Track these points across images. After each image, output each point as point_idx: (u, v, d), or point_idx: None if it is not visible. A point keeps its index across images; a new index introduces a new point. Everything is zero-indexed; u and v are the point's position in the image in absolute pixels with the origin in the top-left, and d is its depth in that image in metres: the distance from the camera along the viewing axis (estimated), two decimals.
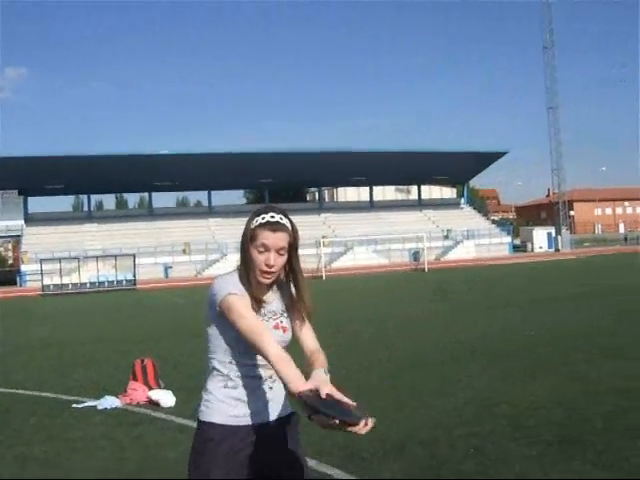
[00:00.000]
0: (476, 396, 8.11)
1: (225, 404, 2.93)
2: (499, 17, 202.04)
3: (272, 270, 2.89)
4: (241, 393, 2.93)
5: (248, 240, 2.92)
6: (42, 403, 9.04)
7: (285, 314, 3.03)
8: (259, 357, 2.88)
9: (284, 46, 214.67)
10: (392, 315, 18.33)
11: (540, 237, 75.38)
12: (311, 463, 5.67)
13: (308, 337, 3.05)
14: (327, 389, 2.51)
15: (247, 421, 2.93)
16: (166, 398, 8.35)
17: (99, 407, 8.46)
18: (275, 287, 3.05)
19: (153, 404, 8.45)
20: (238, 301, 2.83)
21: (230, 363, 2.94)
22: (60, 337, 17.22)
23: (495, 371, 9.60)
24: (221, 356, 2.95)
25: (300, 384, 2.57)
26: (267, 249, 2.87)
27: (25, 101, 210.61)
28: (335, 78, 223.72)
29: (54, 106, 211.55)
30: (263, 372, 2.96)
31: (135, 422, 7.73)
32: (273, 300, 3.02)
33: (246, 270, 2.92)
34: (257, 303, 2.92)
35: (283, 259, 2.92)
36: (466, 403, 7.79)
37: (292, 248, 2.95)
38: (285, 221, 2.92)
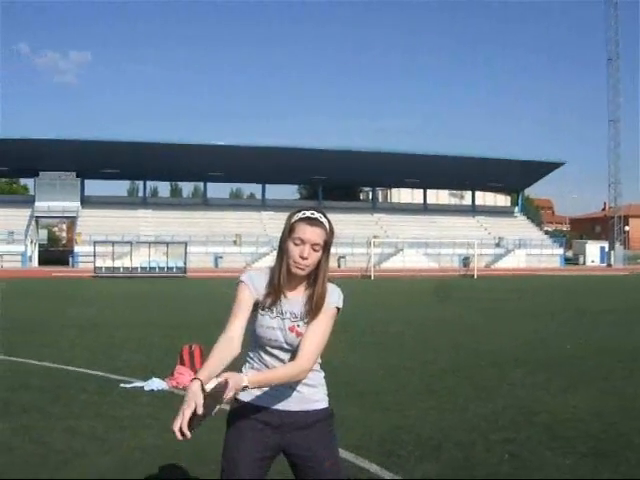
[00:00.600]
0: (516, 404, 8.19)
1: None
2: (561, 27, 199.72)
3: (305, 262, 3.05)
4: None
5: (287, 233, 3.09)
6: (92, 381, 9.33)
7: (305, 320, 3.14)
8: (279, 351, 3.14)
9: (342, 42, 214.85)
10: (437, 319, 18.39)
11: (593, 251, 74.55)
12: (349, 457, 5.89)
13: (306, 336, 3.12)
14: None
15: (269, 404, 3.15)
16: (211, 383, 8.55)
17: (146, 388, 8.72)
18: (304, 289, 3.19)
19: None
20: (240, 287, 3.12)
21: (254, 349, 3.21)
22: (110, 319, 17.60)
23: (536, 380, 9.66)
24: (250, 342, 3.21)
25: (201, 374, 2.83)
26: (303, 242, 3.04)
27: (87, 85, 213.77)
28: (394, 76, 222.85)
29: (114, 91, 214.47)
30: (277, 364, 3.16)
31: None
32: (297, 302, 3.16)
33: (280, 261, 3.11)
34: (277, 296, 3.12)
35: (317, 255, 3.08)
36: (505, 409, 7.87)
37: (325, 247, 3.11)
38: (324, 220, 3.11)
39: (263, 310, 3.13)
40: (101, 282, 38.40)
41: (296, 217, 3.10)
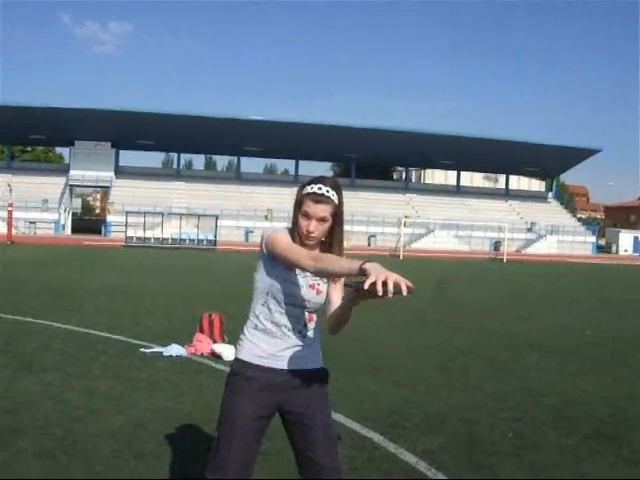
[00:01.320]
0: (526, 385, 8.26)
1: (252, 344, 3.28)
2: (596, 12, 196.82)
3: (312, 235, 3.15)
4: (267, 336, 3.26)
5: (297, 206, 3.20)
6: (113, 344, 9.56)
7: (324, 280, 3.26)
8: (292, 308, 3.23)
9: (382, 24, 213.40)
10: (461, 300, 18.48)
11: (626, 240, 74.03)
12: (355, 427, 6.05)
13: (337, 298, 3.25)
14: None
15: (270, 363, 3.25)
16: (228, 352, 8.73)
17: (165, 354, 8.92)
18: (320, 249, 3.28)
19: (216, 356, 8.89)
20: (280, 234, 3.18)
21: (263, 306, 3.27)
22: (137, 287, 17.88)
23: (550, 364, 9.71)
24: (258, 299, 3.29)
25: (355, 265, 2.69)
26: (309, 217, 3.14)
27: (125, 56, 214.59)
28: (431, 60, 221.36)
29: (152, 63, 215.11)
30: (293, 323, 3.27)
31: (197, 371, 8.16)
32: None
33: (293, 230, 3.22)
34: None
35: (325, 226, 3.18)
36: (515, 390, 7.96)
37: (335, 218, 3.20)
38: (331, 194, 3.16)
39: (288, 267, 3.17)
40: (131, 252, 38.83)
41: (304, 191, 3.18)
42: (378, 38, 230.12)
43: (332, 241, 3.25)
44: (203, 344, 9.16)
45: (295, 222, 3.21)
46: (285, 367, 3.26)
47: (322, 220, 3.16)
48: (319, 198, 3.15)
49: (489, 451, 5.68)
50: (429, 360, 9.64)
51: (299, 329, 3.28)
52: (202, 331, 9.54)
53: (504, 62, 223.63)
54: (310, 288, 3.24)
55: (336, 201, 3.18)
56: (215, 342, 9.30)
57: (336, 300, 3.25)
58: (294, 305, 3.23)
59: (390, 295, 2.52)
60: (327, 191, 3.16)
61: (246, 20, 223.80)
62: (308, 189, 3.17)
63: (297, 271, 3.19)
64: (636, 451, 5.84)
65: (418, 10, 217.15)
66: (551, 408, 7.20)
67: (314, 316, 3.34)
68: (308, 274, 3.20)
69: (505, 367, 9.37)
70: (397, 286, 2.55)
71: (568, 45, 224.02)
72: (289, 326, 3.26)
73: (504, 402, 7.37)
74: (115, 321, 11.71)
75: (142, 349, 9.23)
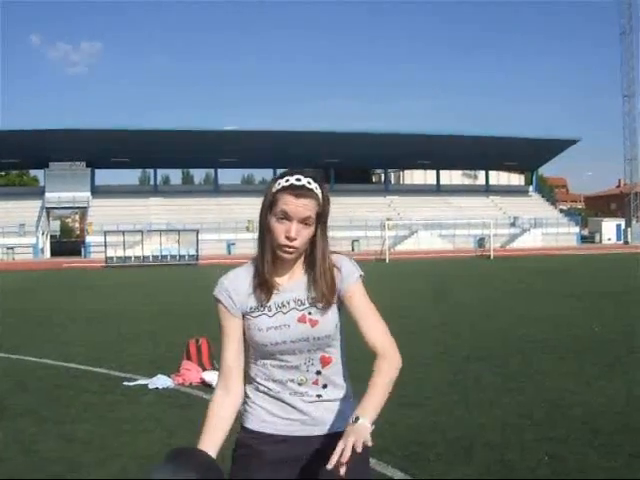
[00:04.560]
0: (546, 395, 7.59)
1: (260, 408, 2.46)
2: (573, 2, 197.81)
3: (293, 244, 2.34)
4: (274, 399, 2.44)
5: (267, 207, 2.40)
6: (93, 379, 8.80)
7: (318, 305, 2.42)
8: (291, 357, 2.42)
9: (355, 26, 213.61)
10: (461, 302, 17.79)
11: (609, 228, 73.84)
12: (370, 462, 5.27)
13: (362, 324, 2.44)
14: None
15: (287, 430, 2.43)
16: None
17: (150, 386, 8.17)
18: (303, 272, 2.48)
19: (206, 385, 8.13)
20: (217, 309, 2.46)
21: (256, 365, 2.48)
22: (119, 310, 17.09)
23: (565, 368, 9.04)
24: (250, 357, 2.50)
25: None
26: (288, 218, 2.33)
27: (97, 75, 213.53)
28: (405, 59, 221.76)
29: (123, 80, 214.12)
30: (302, 374, 2.44)
31: (187, 404, 7.39)
32: (298, 287, 2.45)
33: (262, 245, 2.42)
34: (269, 289, 2.41)
35: (309, 231, 2.38)
36: (536, 402, 7.27)
37: (320, 219, 2.41)
38: (313, 186, 2.38)
39: (257, 311, 2.42)
40: (112, 272, 37.99)
41: (278, 185, 2.39)
42: (349, 41, 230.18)
43: (314, 253, 2.43)
44: (191, 373, 8.40)
45: (265, 231, 2.40)
46: (308, 433, 2.43)
47: (305, 222, 2.35)
48: (300, 192, 2.35)
49: None
50: (437, 372, 8.94)
51: (313, 379, 2.44)
52: (189, 358, 8.77)
53: (476, 58, 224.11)
54: (300, 322, 2.39)
55: (320, 197, 2.39)
56: (204, 370, 8.54)
57: (361, 308, 2.45)
58: (291, 353, 2.41)
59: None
60: (309, 182, 2.37)
61: (216, 30, 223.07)
62: (282, 182, 2.38)
63: (272, 311, 2.41)
64: None
65: (387, 10, 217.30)
66: (581, 422, 6.50)
67: (331, 357, 2.48)
68: (290, 303, 2.42)
69: (519, 375, 8.66)
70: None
71: (542, 35, 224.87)
72: (297, 379, 2.42)
73: (528, 418, 6.67)
74: (97, 351, 10.94)
75: (126, 382, 8.47)
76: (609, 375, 8.60)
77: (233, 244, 59.47)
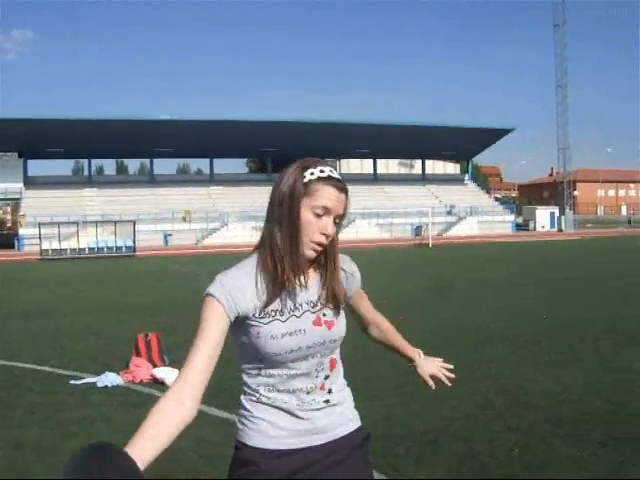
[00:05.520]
0: (505, 385, 7.53)
1: (263, 422, 2.19)
2: None
3: (326, 242, 2.15)
4: (280, 410, 2.19)
5: (299, 196, 2.11)
6: (38, 379, 8.42)
7: (331, 304, 2.24)
8: (303, 363, 2.18)
9: (291, 16, 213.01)
10: (407, 292, 17.68)
11: (543, 216, 74.84)
12: None
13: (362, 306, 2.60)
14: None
15: (295, 443, 2.19)
16: (171, 377, 7.71)
17: (99, 384, 7.84)
18: (313, 270, 2.26)
19: (158, 383, 7.84)
20: (208, 306, 2.10)
21: (259, 376, 2.19)
22: (58, 304, 16.59)
23: (518, 357, 9.00)
24: (248, 367, 2.21)
25: None
26: (327, 212, 2.12)
27: (28, 63, 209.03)
28: (339, 50, 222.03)
29: (56, 69, 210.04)
30: (312, 381, 2.22)
31: (138, 403, 7.06)
32: (311, 285, 2.24)
33: (293, 240, 2.12)
34: (286, 291, 2.16)
35: (336, 229, 2.18)
36: (496, 392, 7.19)
37: (342, 217, 2.19)
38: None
39: (267, 316, 2.14)
40: (48, 265, 37.05)
41: (311, 175, 2.13)
42: (285, 32, 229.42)
43: (331, 252, 2.23)
44: (142, 369, 8.10)
45: (295, 221, 2.10)
46: (309, 443, 2.20)
47: (337, 219, 2.16)
48: (342, 186, 2.16)
49: (500, 475, 4.85)
50: (392, 364, 8.77)
51: (321, 384, 2.24)
52: (139, 354, 8.45)
53: (412, 49, 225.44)
54: (316, 325, 2.18)
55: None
56: (155, 366, 8.24)
57: (366, 307, 2.64)
58: (303, 359, 2.18)
59: None
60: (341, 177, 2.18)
61: (151, 20, 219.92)
62: (317, 172, 2.13)
63: (285, 316, 2.15)
64: None
65: (322, 1, 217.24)
66: (544, 410, 6.45)
67: (336, 358, 2.31)
68: (302, 305, 2.18)
69: (473, 365, 8.51)
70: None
71: (478, 26, 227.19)
72: (306, 387, 2.20)
73: (491, 409, 6.58)
74: (39, 348, 10.52)
75: (72, 380, 8.12)
76: (563, 363, 8.59)
77: (170, 235, 58.67)
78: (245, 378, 2.22)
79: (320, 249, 2.16)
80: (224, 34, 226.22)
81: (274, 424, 2.18)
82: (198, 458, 5.36)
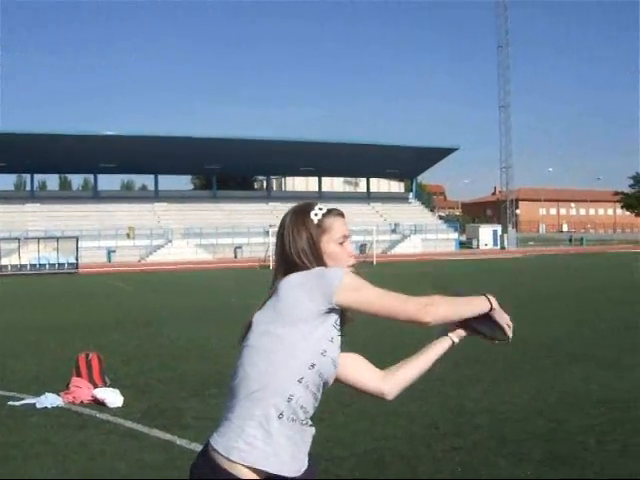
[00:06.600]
0: (449, 403, 7.59)
1: (279, 446, 2.19)
2: (454, 13, 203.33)
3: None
4: (299, 430, 2.26)
5: (320, 234, 2.38)
6: None
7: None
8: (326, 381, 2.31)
9: (237, 31, 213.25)
10: None
11: (486, 234, 75.69)
12: None
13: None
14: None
15: (302, 466, 2.27)
16: (113, 397, 7.62)
17: (38, 405, 7.67)
18: None
19: (99, 404, 7.71)
20: (359, 277, 2.32)
21: (300, 383, 2.25)
22: None
23: (461, 376, 9.01)
24: (290, 374, 2.23)
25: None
26: (346, 238, 2.46)
27: None
28: (286, 65, 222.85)
29: None
30: (317, 402, 2.34)
31: (79, 425, 6.95)
32: None
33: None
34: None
35: None
36: (441, 411, 7.23)
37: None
38: None
39: (335, 328, 2.34)
40: None
41: (320, 213, 2.42)
42: (232, 47, 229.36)
43: None
44: (82, 390, 7.95)
45: (325, 255, 2.37)
46: (305, 466, 2.29)
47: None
48: (341, 212, 2.51)
49: None
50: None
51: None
52: (79, 375, 8.30)
53: (359, 67, 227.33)
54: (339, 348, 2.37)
55: None
56: (96, 386, 8.11)
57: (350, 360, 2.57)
58: (331, 377, 2.37)
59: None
60: None
61: (94, 34, 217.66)
62: (322, 211, 2.43)
63: (333, 323, 2.30)
64: (600, 473, 5.17)
65: (270, 13, 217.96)
66: (488, 430, 6.49)
67: None
68: (337, 327, 2.32)
69: (419, 384, 8.53)
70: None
71: (425, 47, 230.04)
72: (311, 410, 2.34)
73: (434, 428, 6.60)
74: None
75: (11, 402, 7.93)
76: (505, 382, 8.67)
77: (114, 251, 57.98)
78: (279, 386, 2.23)
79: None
80: (168, 49, 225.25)
81: (288, 448, 2.23)
82: None
